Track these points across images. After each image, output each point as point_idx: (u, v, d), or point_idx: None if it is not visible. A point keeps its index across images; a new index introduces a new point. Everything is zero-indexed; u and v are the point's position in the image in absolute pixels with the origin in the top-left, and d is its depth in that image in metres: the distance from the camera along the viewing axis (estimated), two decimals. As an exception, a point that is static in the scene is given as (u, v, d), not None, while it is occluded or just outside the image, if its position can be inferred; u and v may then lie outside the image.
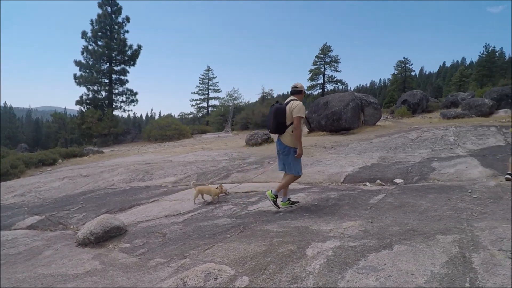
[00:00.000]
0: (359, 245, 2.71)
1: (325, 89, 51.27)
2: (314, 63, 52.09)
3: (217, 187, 4.95)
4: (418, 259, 2.34)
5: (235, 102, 44.15)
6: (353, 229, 3.15)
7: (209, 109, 52.73)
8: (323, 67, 51.46)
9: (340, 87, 53.88)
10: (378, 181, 5.62)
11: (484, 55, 52.26)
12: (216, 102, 52.15)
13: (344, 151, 9.55)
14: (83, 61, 31.23)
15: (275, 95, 55.59)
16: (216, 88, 53.60)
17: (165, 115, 41.51)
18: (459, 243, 2.58)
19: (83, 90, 32.57)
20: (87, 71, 31.05)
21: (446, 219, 3.27)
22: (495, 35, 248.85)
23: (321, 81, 51.75)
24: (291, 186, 4.82)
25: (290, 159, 4.09)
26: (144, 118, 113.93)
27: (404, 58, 53.61)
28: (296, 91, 4.18)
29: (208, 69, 53.25)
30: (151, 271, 2.73)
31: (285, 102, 4.12)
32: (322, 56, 51.32)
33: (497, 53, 56.10)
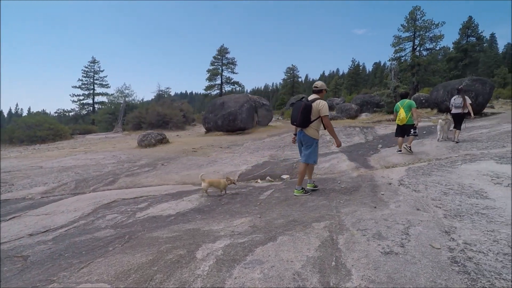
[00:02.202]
0: (248, 240, 2.83)
1: (223, 90, 52.36)
2: (212, 64, 52.53)
3: (226, 179, 4.93)
4: (297, 247, 2.60)
5: (127, 99, 40.31)
6: (243, 226, 3.27)
7: (96, 106, 46.64)
8: (220, 68, 52.39)
9: (238, 89, 55.96)
10: (268, 177, 6.04)
11: (351, 68, 63.11)
12: (104, 99, 46.57)
13: (239, 150, 9.93)
14: None
15: (172, 94, 53.49)
16: (104, 83, 47.82)
17: (35, 112, 34.50)
18: (329, 228, 2.99)
19: None
20: None
21: (320, 208, 3.75)
22: (360, 51, 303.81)
23: (219, 81, 52.58)
24: (185, 188, 4.71)
25: (312, 150, 4.45)
26: (6, 116, 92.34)
27: (292, 65, 59.78)
28: (317, 90, 4.47)
29: (94, 61, 47.03)
30: (0, 307, 2.19)
31: (308, 99, 4.40)
32: (219, 57, 52.18)
33: (360, 67, 68.70)
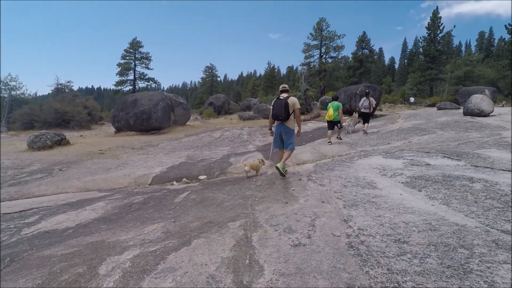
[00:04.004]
0: (160, 248, 2.66)
1: (137, 87, 48.72)
2: (123, 57, 48.33)
3: (258, 161, 5.82)
4: (212, 249, 2.56)
5: (14, 93, 33.71)
6: (155, 233, 3.07)
7: (-33, 100, 37.67)
8: (133, 63, 48.60)
9: (153, 86, 52.87)
10: (184, 179, 5.84)
11: (268, 70, 66.28)
12: (-19, 91, 37.98)
13: (153, 151, 9.35)
14: None
15: (75, 88, 47.12)
16: (-21, 72, 39.03)
17: None
18: (244, 226, 3.04)
19: None
20: None
21: (237, 207, 3.79)
22: (275, 55, 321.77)
23: (131, 77, 48.70)
24: (89, 196, 4.18)
25: (291, 139, 5.34)
26: None
27: (211, 64, 59.49)
28: (286, 90, 5.41)
29: (-37, 45, 37.94)
30: None
31: (280, 97, 5.26)
32: (132, 51, 48.34)
33: (276, 70, 72.75)
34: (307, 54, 41.53)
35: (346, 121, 10.99)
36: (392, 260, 2.17)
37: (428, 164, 4.99)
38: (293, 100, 5.25)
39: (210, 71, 58.86)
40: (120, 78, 48.00)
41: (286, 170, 5.30)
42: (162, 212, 3.87)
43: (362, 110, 10.62)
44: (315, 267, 2.15)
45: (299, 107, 5.32)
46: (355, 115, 11.81)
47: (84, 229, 3.47)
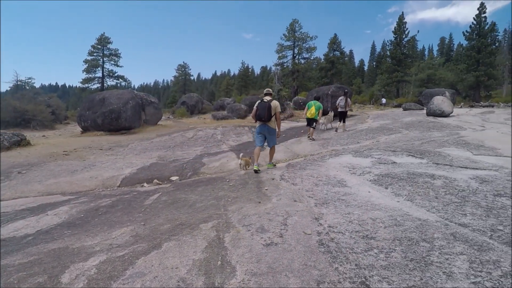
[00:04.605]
0: (128, 252, 2.57)
1: (105, 84, 46.72)
2: (90, 53, 46.15)
3: (249, 158, 6.53)
4: (183, 251, 2.51)
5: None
6: (124, 237, 2.96)
7: None
8: (101, 60, 46.55)
9: (123, 84, 50.94)
10: (155, 180, 5.69)
11: (241, 70, 66.21)
12: None
13: (123, 152, 9.02)
14: None
15: (37, 85, 44.29)
16: None
17: None
18: (217, 227, 3.01)
19: None
20: None
21: (209, 208, 3.75)
22: (249, 55, 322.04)
23: (99, 74, 46.62)
24: (51, 200, 3.94)
25: (274, 137, 5.97)
26: None
27: (184, 62, 58.33)
28: (270, 93, 5.96)
29: None
30: None
31: (264, 100, 5.77)
32: (99, 47, 46.28)
33: (250, 70, 72.83)
34: (280, 54, 42.04)
35: (321, 119, 11.72)
36: (360, 255, 2.25)
37: (394, 162, 5.23)
38: (275, 104, 5.82)
39: (183, 69, 57.71)
40: (87, 76, 45.80)
41: (275, 164, 6.15)
42: (132, 215, 3.74)
43: (339, 109, 11.18)
44: (287, 266, 2.17)
45: (280, 110, 5.90)
46: (331, 114, 12.46)
47: (45, 235, 3.27)
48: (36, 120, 21.12)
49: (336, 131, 10.85)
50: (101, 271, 2.27)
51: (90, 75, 46.10)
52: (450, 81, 36.04)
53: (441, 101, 13.17)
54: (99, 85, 46.21)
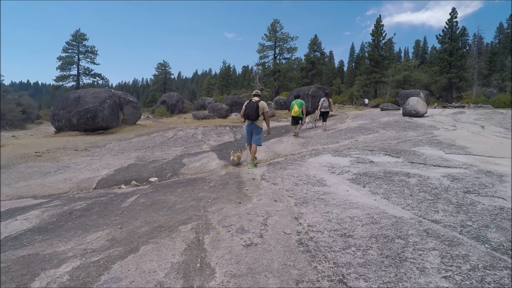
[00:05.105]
0: (104, 257, 2.48)
1: (81, 83, 45.05)
2: (65, 50, 44.36)
3: (240, 152, 6.76)
4: (161, 255, 2.45)
5: None
6: (99, 241, 2.86)
7: None
8: (77, 57, 44.85)
9: (100, 82, 49.37)
10: (133, 182, 5.54)
11: (223, 69, 65.77)
12: None
13: (100, 152, 8.73)
14: None
15: (6, 83, 42.12)
16: None
17: None
18: (196, 229, 2.97)
19: None
20: None
21: (189, 209, 3.69)
22: (230, 54, 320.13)
23: (75, 72, 44.89)
24: (21, 203, 3.74)
25: (260, 136, 6.26)
26: None
27: (164, 61, 57.14)
28: (258, 94, 6.36)
29: None
30: None
31: (252, 100, 6.14)
32: (75, 43, 44.57)
33: (231, 69, 72.49)
34: (261, 54, 42.06)
35: (307, 118, 12.53)
36: (338, 254, 2.29)
37: (372, 162, 5.37)
38: (263, 104, 6.21)
39: (163, 68, 56.49)
40: (61, 73, 43.95)
41: (256, 164, 6.29)
42: (108, 218, 3.62)
43: (322, 110, 11.74)
44: (266, 266, 2.18)
45: (268, 110, 6.28)
46: (316, 112, 13.02)
47: (13, 242, 3.10)
48: (5, 119, 20.02)
49: (323, 130, 11.31)
50: (74, 278, 2.19)
51: (65, 73, 44.29)
52: (424, 83, 37.42)
53: (416, 102, 13.66)
54: (74, 83, 44.49)
